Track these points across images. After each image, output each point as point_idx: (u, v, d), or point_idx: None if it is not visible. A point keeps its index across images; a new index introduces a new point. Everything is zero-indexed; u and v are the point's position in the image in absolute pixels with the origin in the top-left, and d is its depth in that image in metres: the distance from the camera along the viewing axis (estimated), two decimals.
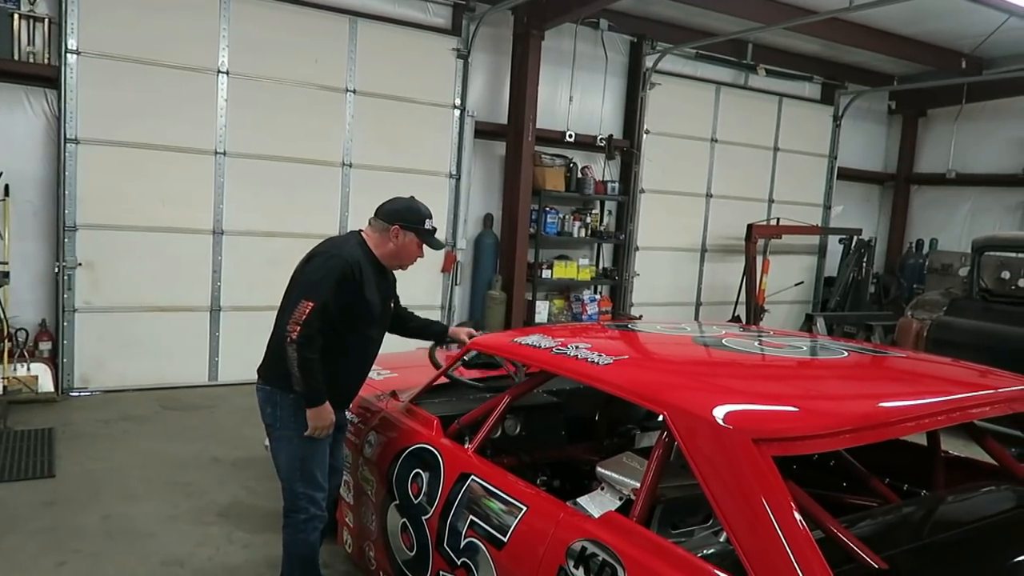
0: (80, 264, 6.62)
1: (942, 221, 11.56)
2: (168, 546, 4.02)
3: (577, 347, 2.85)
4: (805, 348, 3.43)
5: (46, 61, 6.44)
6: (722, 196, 10.37)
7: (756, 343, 3.32)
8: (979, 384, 2.76)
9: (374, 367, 3.48)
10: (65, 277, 6.56)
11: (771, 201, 10.85)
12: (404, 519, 3.04)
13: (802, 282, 11.31)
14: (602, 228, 9.43)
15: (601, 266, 9.66)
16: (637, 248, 9.77)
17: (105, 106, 6.56)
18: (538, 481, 3.30)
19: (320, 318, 2.97)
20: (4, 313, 6.29)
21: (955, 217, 11.40)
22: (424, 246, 3.30)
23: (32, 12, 6.36)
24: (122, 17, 6.56)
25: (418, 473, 3.01)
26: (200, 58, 6.94)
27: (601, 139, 9.21)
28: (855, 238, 10.56)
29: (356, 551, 3.63)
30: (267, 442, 3.35)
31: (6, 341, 6.29)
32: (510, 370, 3.80)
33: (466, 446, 2.97)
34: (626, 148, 9.50)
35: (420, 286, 7.87)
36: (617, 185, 9.48)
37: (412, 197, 3.36)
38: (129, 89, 6.63)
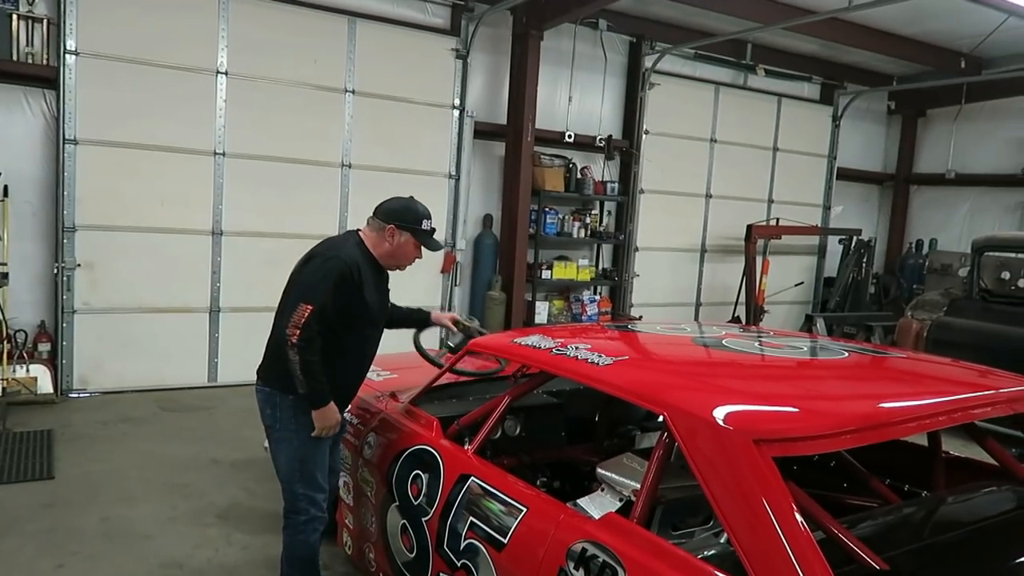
0: (79, 265, 6.61)
1: (941, 221, 11.57)
2: (167, 548, 4.01)
3: (577, 348, 2.85)
4: (805, 349, 3.42)
5: (45, 62, 6.43)
6: (721, 196, 10.37)
7: (756, 344, 3.31)
8: (980, 384, 2.76)
9: (373, 368, 3.48)
10: (64, 278, 6.55)
11: (770, 201, 10.85)
12: (404, 520, 3.04)
13: (802, 282, 11.31)
14: (601, 228, 9.43)
15: (601, 267, 9.65)
16: (637, 248, 9.77)
17: (104, 107, 6.55)
18: (538, 482, 3.30)
19: (319, 320, 2.95)
20: (3, 314, 6.28)
21: (954, 217, 11.41)
22: (422, 247, 3.29)
23: (31, 13, 6.35)
24: (121, 17, 6.56)
25: (418, 474, 3.00)
26: (199, 59, 6.93)
27: (600, 139, 9.21)
28: (855, 238, 10.57)
29: (356, 553, 3.62)
30: (266, 443, 3.34)
31: (5, 342, 6.28)
32: (492, 366, 3.84)
33: (466, 447, 2.97)
34: (625, 148, 9.49)
35: (420, 287, 7.86)
36: (616, 185, 9.48)
37: (411, 197, 3.35)
38: (128, 89, 6.63)
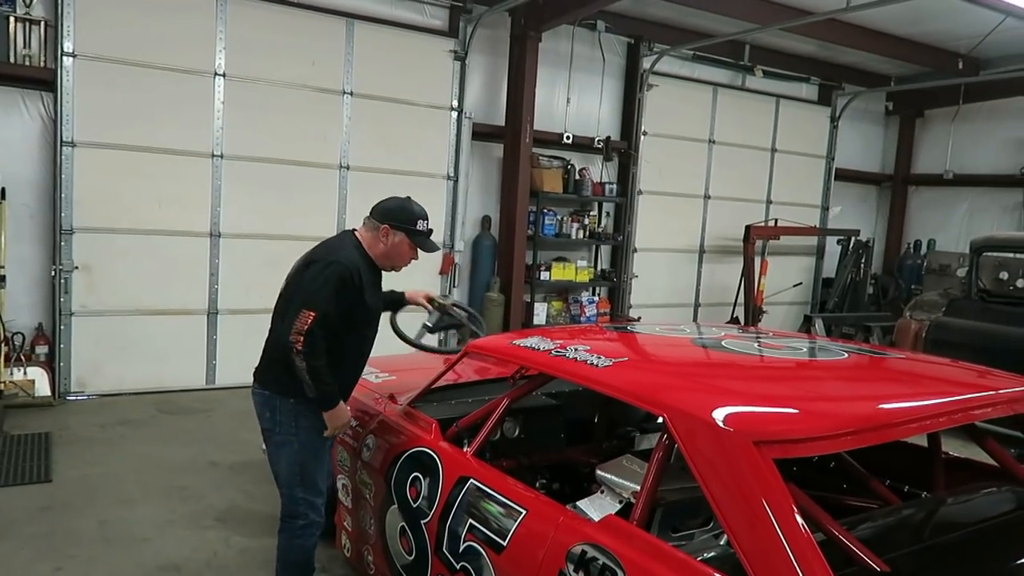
0: (77, 267, 6.59)
1: (940, 222, 11.57)
2: (165, 551, 4.00)
3: (576, 349, 2.84)
4: (805, 350, 3.42)
5: (42, 64, 6.41)
6: (720, 197, 10.37)
7: (755, 344, 3.31)
8: (980, 385, 2.76)
9: (371, 369, 3.47)
10: (62, 280, 6.54)
11: (769, 202, 10.85)
12: (403, 523, 3.03)
13: (800, 283, 11.31)
14: (600, 230, 9.42)
15: (599, 268, 9.65)
16: (635, 249, 9.76)
17: (101, 109, 6.54)
18: (537, 484, 3.28)
19: (323, 326, 2.94)
20: (0, 317, 6.26)
21: (953, 218, 11.41)
22: (417, 248, 3.26)
23: (28, 15, 6.33)
24: (118, 19, 6.55)
25: (417, 476, 2.99)
26: (197, 60, 6.93)
27: (599, 140, 9.21)
28: (853, 239, 10.56)
29: (354, 555, 3.61)
30: (264, 446, 3.33)
31: (2, 345, 6.26)
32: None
33: (465, 449, 2.96)
34: (624, 149, 9.49)
35: (418, 288, 7.82)
36: (615, 186, 9.48)
37: (408, 197, 3.33)
38: (125, 91, 6.62)
